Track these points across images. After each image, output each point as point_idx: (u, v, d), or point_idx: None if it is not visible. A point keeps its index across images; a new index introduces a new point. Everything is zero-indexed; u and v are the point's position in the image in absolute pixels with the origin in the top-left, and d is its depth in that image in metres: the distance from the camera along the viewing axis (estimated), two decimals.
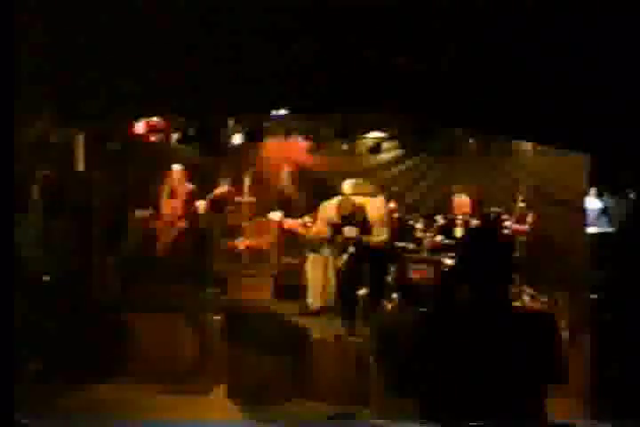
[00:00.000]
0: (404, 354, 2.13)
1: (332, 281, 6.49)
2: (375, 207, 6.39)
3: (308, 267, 6.69)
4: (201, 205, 7.17)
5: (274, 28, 4.97)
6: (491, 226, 7.02)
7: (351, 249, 6.07)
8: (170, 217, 6.82)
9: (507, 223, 7.51)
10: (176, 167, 7.14)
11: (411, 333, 2.17)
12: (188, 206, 6.95)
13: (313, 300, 6.56)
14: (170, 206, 6.89)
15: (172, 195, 6.95)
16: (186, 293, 6.23)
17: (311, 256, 6.69)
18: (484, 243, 2.10)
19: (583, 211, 7.90)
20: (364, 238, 6.15)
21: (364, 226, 6.20)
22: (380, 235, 6.29)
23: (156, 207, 6.98)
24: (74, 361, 5.28)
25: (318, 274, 6.57)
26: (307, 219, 7.06)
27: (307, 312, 6.41)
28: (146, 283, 6.41)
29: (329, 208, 6.42)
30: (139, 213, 6.81)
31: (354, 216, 6.19)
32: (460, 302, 2.22)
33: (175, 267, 6.60)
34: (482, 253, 2.08)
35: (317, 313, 6.41)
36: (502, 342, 1.99)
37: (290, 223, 7.21)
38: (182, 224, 6.87)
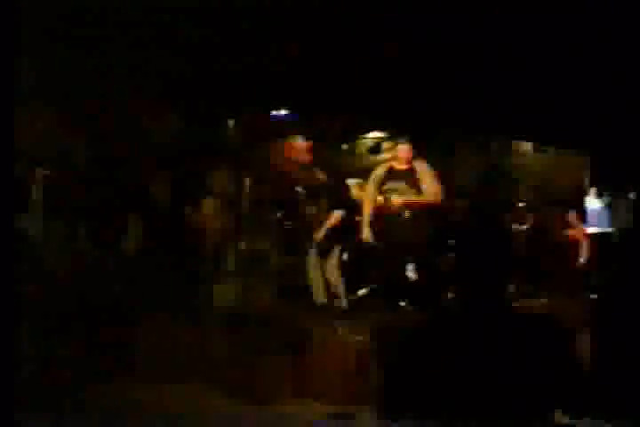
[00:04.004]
0: (404, 354, 2.13)
1: (332, 280, 6.51)
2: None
3: (309, 267, 6.71)
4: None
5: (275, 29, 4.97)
6: (489, 226, 7.00)
7: (335, 254, 6.19)
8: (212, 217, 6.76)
9: (507, 224, 7.51)
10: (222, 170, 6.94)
11: (410, 333, 2.17)
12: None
13: (316, 298, 6.58)
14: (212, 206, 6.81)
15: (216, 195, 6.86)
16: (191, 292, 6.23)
17: (311, 256, 6.70)
18: (482, 243, 2.10)
19: (583, 211, 7.90)
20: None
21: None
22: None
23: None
24: (75, 361, 5.28)
25: (318, 273, 6.59)
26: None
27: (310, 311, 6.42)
28: (152, 283, 6.40)
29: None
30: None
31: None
32: (458, 303, 2.22)
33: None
34: (479, 253, 2.08)
35: (319, 311, 6.42)
36: (501, 342, 1.99)
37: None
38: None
